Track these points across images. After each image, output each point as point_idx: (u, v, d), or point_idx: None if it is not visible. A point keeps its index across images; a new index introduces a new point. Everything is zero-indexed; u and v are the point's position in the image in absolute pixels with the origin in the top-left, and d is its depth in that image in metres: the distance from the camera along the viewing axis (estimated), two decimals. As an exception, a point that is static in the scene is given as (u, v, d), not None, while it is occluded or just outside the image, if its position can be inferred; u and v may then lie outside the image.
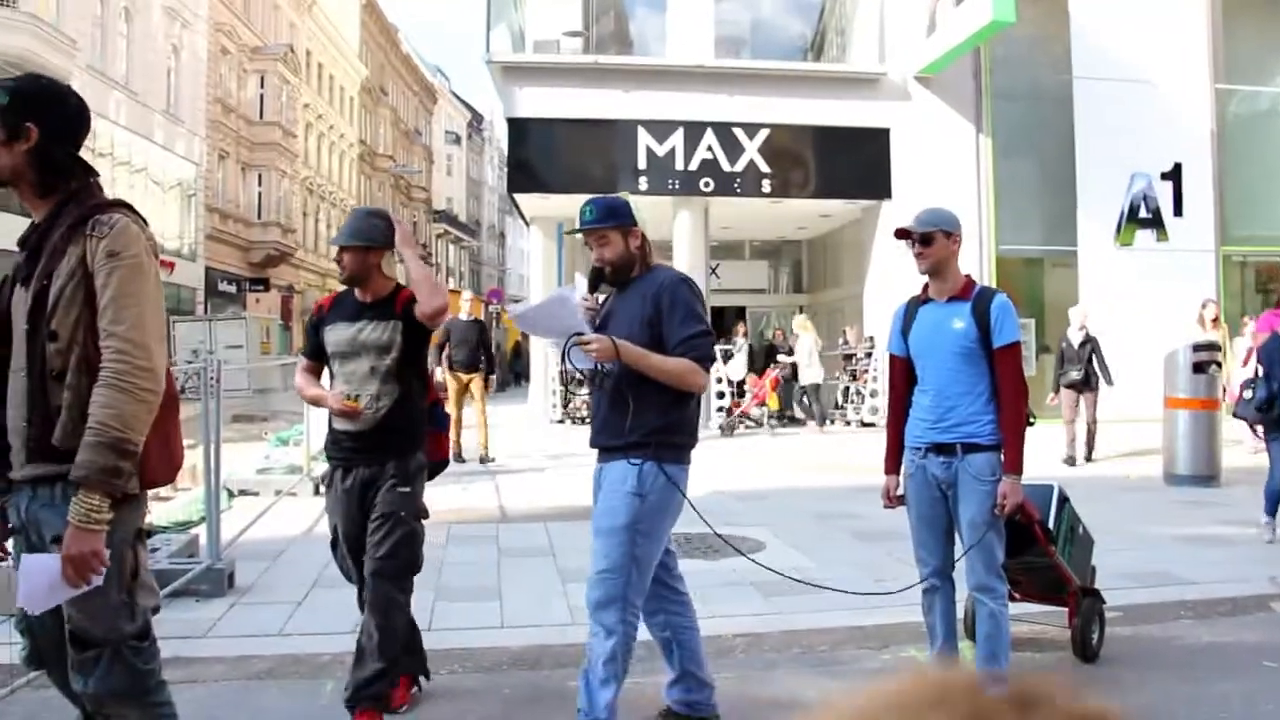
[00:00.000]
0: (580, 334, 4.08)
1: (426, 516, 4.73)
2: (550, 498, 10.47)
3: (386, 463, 4.55)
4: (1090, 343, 13.24)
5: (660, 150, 18.43)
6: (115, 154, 33.98)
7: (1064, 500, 5.36)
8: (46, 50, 29.82)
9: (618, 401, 4.10)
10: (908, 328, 4.85)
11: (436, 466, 4.97)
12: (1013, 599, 5.57)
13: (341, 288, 4.81)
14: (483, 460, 13.63)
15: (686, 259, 18.74)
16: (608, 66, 18.82)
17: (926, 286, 4.82)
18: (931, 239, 4.65)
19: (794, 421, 19.52)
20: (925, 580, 4.80)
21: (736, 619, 6.04)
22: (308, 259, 46.38)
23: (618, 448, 4.14)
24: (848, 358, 19.70)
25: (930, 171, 18.38)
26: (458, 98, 76.96)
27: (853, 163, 18.96)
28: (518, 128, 18.71)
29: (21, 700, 4.79)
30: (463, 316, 13.71)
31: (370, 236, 4.72)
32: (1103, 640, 5.43)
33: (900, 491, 4.87)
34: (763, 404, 18.83)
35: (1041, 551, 5.14)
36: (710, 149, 18.47)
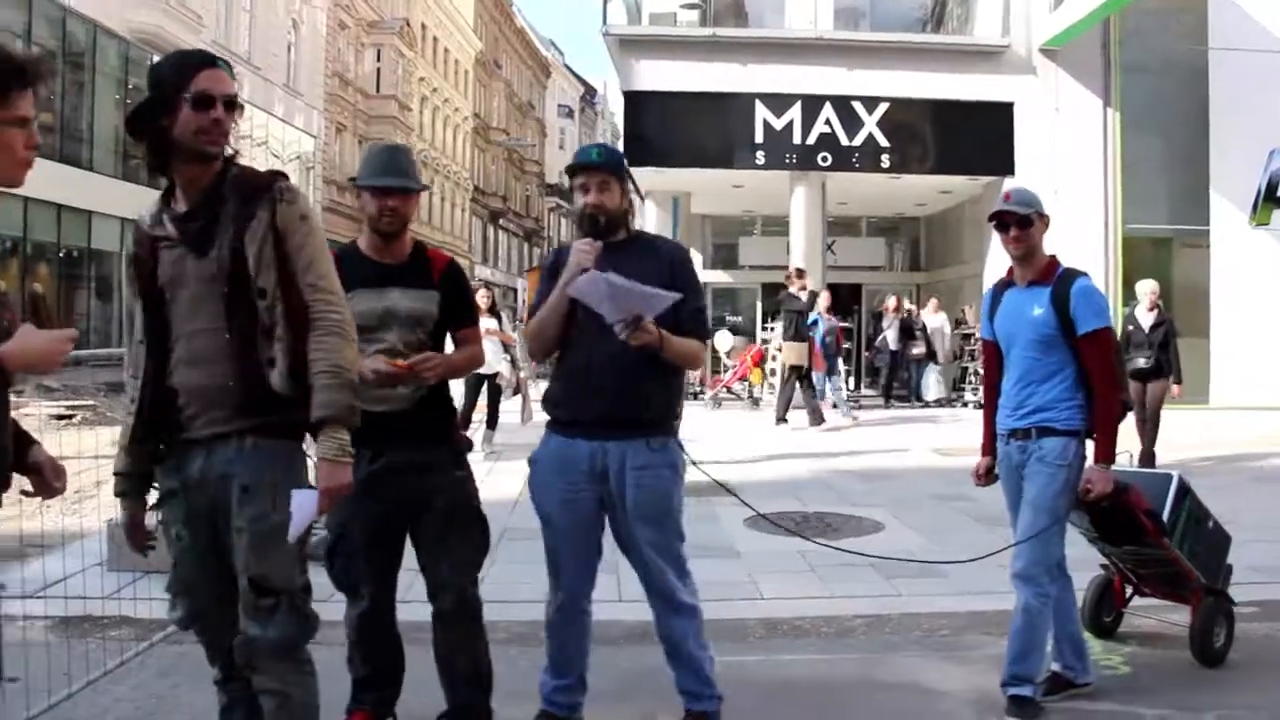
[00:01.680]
0: (641, 317, 3.77)
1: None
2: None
3: (430, 447, 3.99)
4: (1165, 324, 11.43)
5: (778, 124, 18.24)
6: (238, 126, 34.79)
7: (1185, 491, 5.09)
8: (175, 26, 30.65)
9: (638, 376, 3.92)
10: (994, 312, 4.71)
11: (468, 446, 4.48)
12: (1140, 594, 5.41)
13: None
14: None
15: (803, 235, 18.58)
16: (725, 39, 18.70)
17: (1012, 269, 4.66)
18: (1030, 221, 4.47)
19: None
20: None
21: (857, 600, 5.96)
22: (421, 230, 47.05)
23: (636, 425, 3.98)
24: (966, 338, 19.40)
25: (1055, 147, 17.93)
26: (571, 71, 77.30)
27: (974, 137, 18.55)
28: (634, 101, 18.66)
29: (157, 654, 4.92)
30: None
31: (416, 177, 4.15)
32: (1230, 644, 5.11)
33: (996, 473, 4.73)
34: (744, 379, 19.34)
35: (1153, 544, 4.91)
36: (828, 123, 18.23)
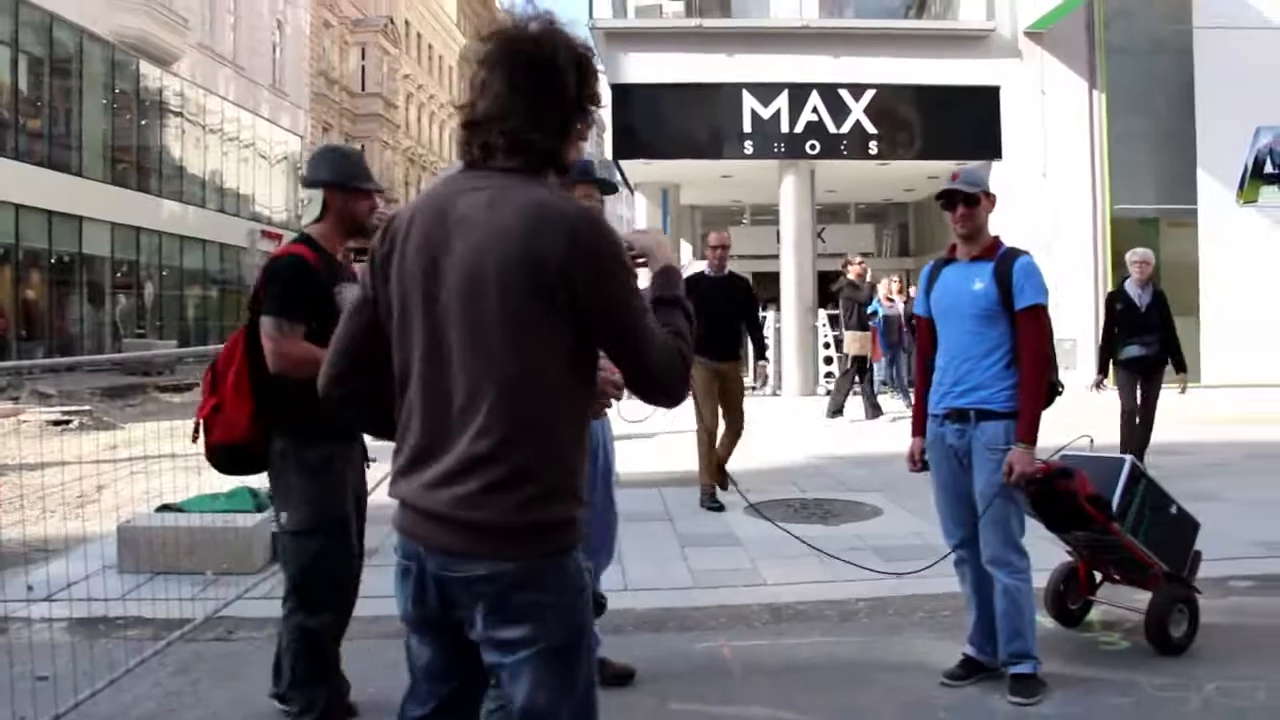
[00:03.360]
0: None
1: None
2: (662, 463, 10.47)
3: None
4: (1158, 302, 9.64)
5: (765, 113, 18.30)
6: (225, 129, 34.79)
7: (1137, 476, 4.96)
8: (161, 30, 30.65)
9: None
10: (931, 287, 4.71)
11: None
12: (1110, 580, 5.40)
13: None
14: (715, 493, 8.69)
15: (793, 223, 18.66)
16: (711, 30, 18.77)
17: (954, 246, 4.67)
18: (977, 200, 4.51)
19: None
20: (953, 551, 4.69)
21: (858, 584, 6.04)
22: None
23: None
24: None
25: (1041, 130, 18.03)
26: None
27: (961, 122, 18.62)
28: (622, 93, 18.69)
29: (174, 653, 4.98)
30: (706, 269, 8.99)
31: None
32: (1194, 632, 4.97)
33: (926, 456, 4.73)
34: None
35: (1101, 529, 4.85)
36: (815, 111, 18.29)
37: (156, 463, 7.71)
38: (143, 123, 31.02)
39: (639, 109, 18.72)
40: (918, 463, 4.78)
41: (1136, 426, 9.65)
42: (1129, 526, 4.87)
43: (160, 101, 31.71)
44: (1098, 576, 5.41)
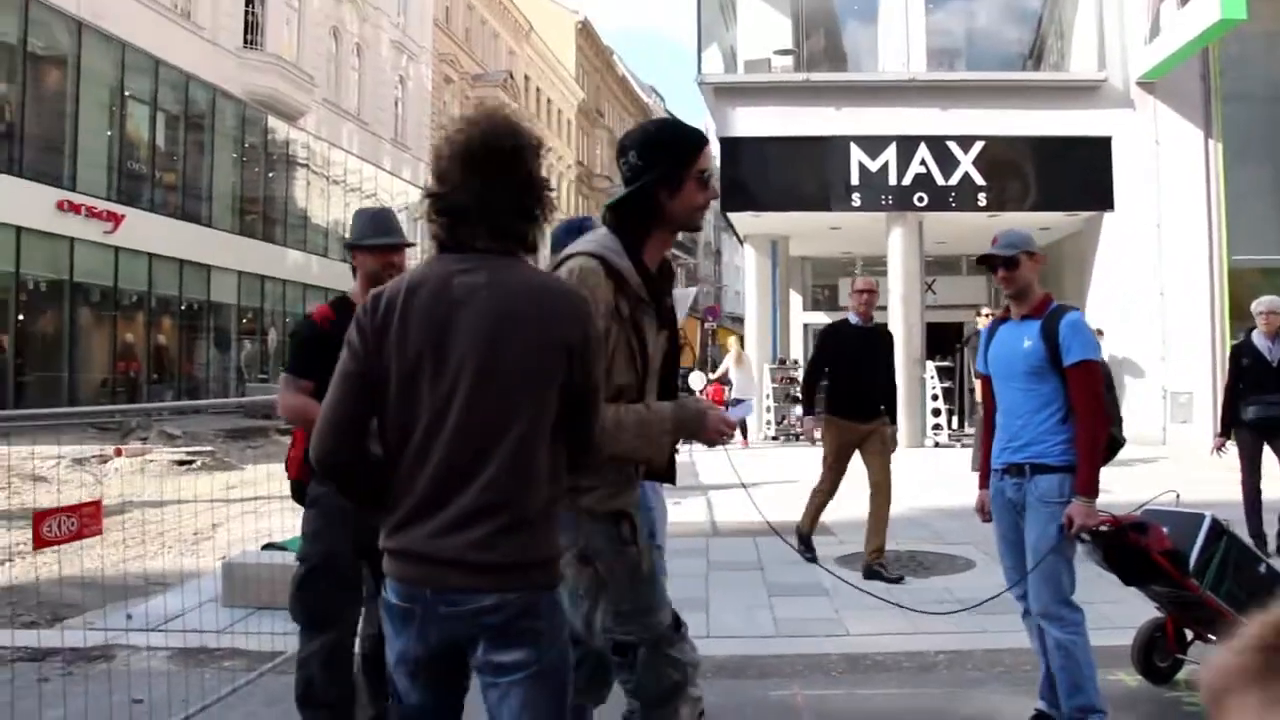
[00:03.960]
0: None
1: None
2: (758, 513, 10.51)
3: None
4: None
5: (873, 166, 18.37)
6: (347, 180, 35.91)
7: (1219, 532, 4.86)
8: (289, 88, 31.87)
9: None
10: (988, 348, 4.81)
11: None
12: (1203, 639, 5.30)
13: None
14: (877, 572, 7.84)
15: (900, 275, 18.63)
16: (819, 84, 18.90)
17: (1008, 307, 4.74)
18: (1016, 262, 4.57)
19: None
20: (1009, 590, 4.72)
21: (941, 636, 6.04)
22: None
23: None
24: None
25: (1156, 180, 17.74)
26: (673, 116, 77.95)
27: (1072, 173, 18.42)
28: (730, 147, 18.94)
29: (265, 684, 5.22)
30: (850, 316, 8.31)
31: (403, 233, 4.52)
32: None
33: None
34: None
35: (1176, 584, 4.79)
36: (924, 163, 18.30)
37: (267, 503, 8.06)
38: (270, 175, 32.21)
39: (747, 162, 18.94)
40: (986, 514, 4.82)
41: (1258, 494, 8.59)
42: (1209, 584, 4.80)
43: (287, 155, 32.90)
44: (1189, 635, 5.34)
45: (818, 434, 8.37)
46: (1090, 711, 4.40)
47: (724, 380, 20.10)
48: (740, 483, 6.44)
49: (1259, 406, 8.50)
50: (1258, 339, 8.60)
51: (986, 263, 4.67)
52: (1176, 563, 4.74)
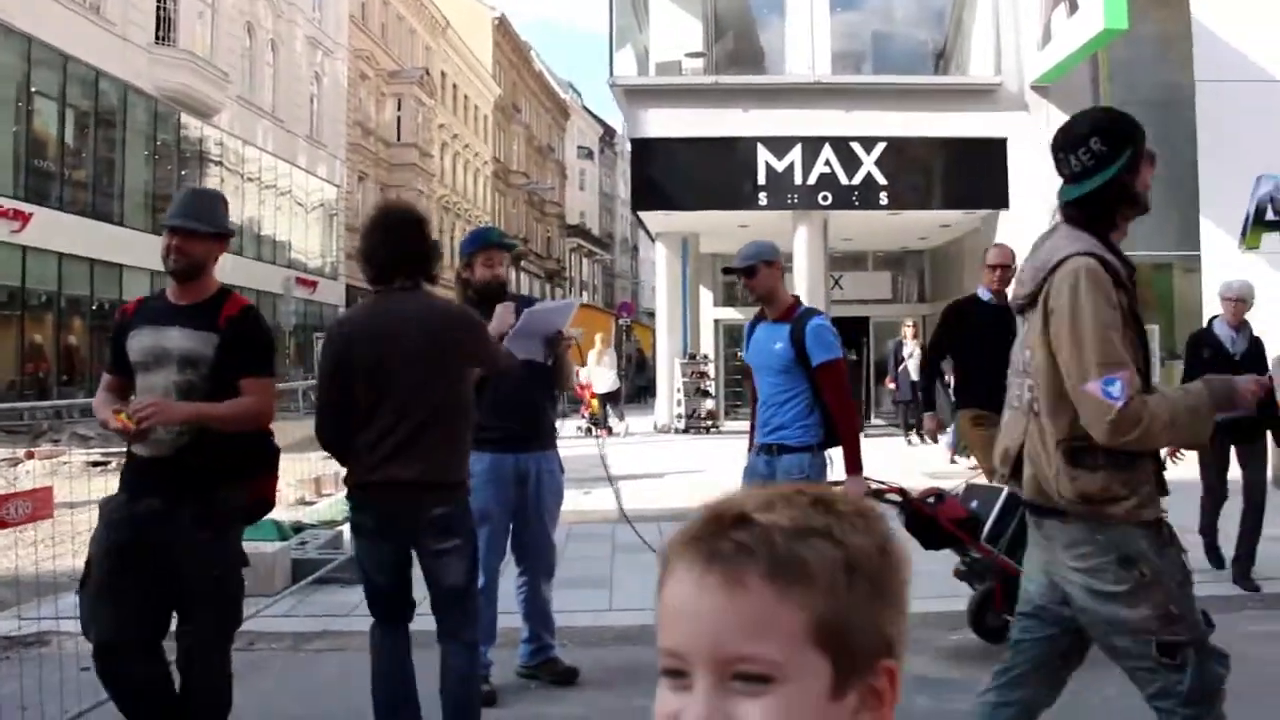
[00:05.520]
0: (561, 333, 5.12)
1: (246, 564, 4.07)
2: (665, 501, 10.95)
3: (174, 499, 3.81)
4: (1256, 350, 7.58)
5: (779, 166, 18.91)
6: (262, 178, 35.72)
7: (1014, 504, 5.17)
8: (202, 84, 31.62)
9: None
10: (748, 343, 5.45)
11: (258, 508, 4.24)
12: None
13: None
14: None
15: (806, 271, 19.19)
16: (728, 86, 19.41)
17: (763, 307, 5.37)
18: (755, 271, 5.17)
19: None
20: None
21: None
22: (445, 275, 47.69)
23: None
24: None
25: (1048, 180, 18.29)
26: (589, 113, 78.18)
27: (969, 173, 19.15)
28: (641, 147, 19.40)
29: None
30: (981, 291, 7.38)
31: (219, 223, 4.06)
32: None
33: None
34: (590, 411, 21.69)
35: (969, 548, 5.46)
36: (828, 163, 18.88)
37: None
38: (183, 173, 31.89)
39: (658, 162, 19.41)
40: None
41: (1217, 506, 7.61)
42: (1004, 548, 5.41)
43: (201, 152, 32.59)
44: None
45: (944, 437, 7.58)
46: None
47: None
48: (608, 477, 7.18)
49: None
50: (1219, 328, 7.59)
51: (730, 273, 5.33)
52: (970, 530, 5.38)
